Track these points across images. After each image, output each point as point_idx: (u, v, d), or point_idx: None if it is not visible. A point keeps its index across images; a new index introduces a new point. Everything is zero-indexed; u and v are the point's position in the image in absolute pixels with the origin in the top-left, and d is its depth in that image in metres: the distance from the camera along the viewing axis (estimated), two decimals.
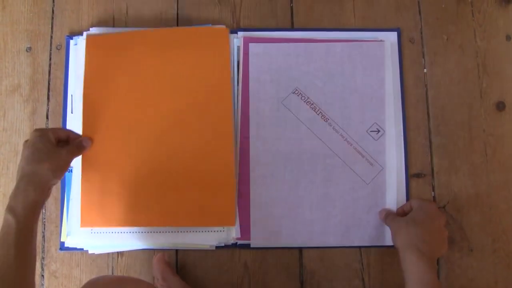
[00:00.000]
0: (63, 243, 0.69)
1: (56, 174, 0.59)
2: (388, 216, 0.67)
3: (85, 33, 0.72)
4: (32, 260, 0.53)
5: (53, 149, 0.60)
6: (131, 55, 0.71)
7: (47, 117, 0.73)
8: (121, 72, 0.71)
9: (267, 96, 0.72)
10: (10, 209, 0.53)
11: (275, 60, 0.73)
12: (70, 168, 0.70)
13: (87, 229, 0.68)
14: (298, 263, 0.70)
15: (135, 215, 0.67)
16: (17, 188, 0.55)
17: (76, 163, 0.69)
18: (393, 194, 0.70)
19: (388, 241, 0.68)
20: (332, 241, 0.69)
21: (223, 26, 0.73)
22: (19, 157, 0.71)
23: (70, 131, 0.66)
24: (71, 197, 0.69)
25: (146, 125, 0.69)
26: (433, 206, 0.64)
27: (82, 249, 0.68)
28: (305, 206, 0.69)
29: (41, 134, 0.60)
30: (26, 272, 0.52)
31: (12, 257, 0.50)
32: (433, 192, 0.72)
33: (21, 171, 0.57)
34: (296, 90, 0.72)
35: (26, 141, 0.60)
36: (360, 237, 0.69)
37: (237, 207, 0.69)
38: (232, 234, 0.68)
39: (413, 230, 0.60)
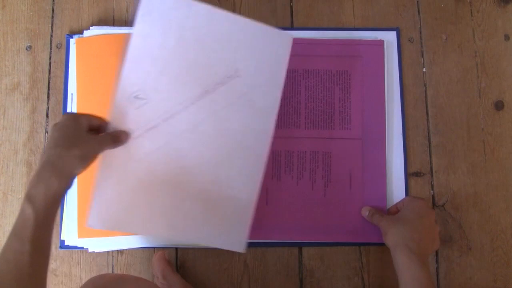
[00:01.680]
0: (63, 241, 0.69)
1: (83, 163, 0.52)
2: (374, 215, 0.66)
3: (75, 37, 0.73)
4: (47, 256, 0.49)
5: (84, 135, 0.53)
6: (120, 57, 0.71)
7: (47, 116, 0.73)
8: (111, 74, 0.71)
9: None
10: (29, 198, 0.47)
11: None
12: None
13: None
14: (297, 262, 0.70)
15: None
16: (38, 175, 0.49)
17: None
18: (395, 192, 0.70)
19: None
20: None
21: None
22: (19, 156, 0.72)
23: (104, 120, 0.58)
24: (67, 198, 0.69)
25: None
26: (422, 203, 0.65)
27: (82, 247, 0.68)
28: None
29: (73, 118, 0.54)
30: (41, 270, 0.48)
31: (27, 254, 0.45)
32: (432, 191, 0.72)
33: (46, 155, 0.50)
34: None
35: (56, 124, 0.53)
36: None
37: None
38: None
39: (401, 229, 0.61)
